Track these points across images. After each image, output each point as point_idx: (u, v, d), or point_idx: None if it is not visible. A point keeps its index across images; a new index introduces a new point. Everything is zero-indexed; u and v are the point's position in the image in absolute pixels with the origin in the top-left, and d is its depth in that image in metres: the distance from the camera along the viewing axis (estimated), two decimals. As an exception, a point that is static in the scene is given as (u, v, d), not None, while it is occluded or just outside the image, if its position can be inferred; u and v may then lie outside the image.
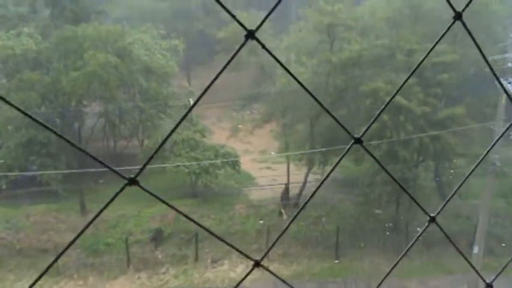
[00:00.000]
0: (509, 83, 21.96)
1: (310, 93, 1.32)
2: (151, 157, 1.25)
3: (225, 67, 1.17)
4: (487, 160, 20.60)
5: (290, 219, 1.45)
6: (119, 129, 34.59)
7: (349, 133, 1.35)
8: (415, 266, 24.80)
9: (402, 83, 1.52)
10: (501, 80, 21.04)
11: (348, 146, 1.38)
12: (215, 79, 1.17)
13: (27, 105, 27.02)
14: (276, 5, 1.17)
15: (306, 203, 1.51)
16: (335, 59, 26.04)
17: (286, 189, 29.33)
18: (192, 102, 31.11)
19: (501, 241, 26.83)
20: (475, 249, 22.42)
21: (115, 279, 24.78)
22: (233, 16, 1.14)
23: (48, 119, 28.80)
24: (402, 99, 23.32)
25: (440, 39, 1.37)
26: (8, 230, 26.46)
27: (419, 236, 1.65)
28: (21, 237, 26.21)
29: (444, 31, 1.35)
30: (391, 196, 27.83)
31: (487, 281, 1.70)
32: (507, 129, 1.68)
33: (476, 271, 1.78)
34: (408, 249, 1.66)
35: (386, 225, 28.02)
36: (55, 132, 1.17)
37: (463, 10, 1.33)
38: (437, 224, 1.57)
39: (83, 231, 1.17)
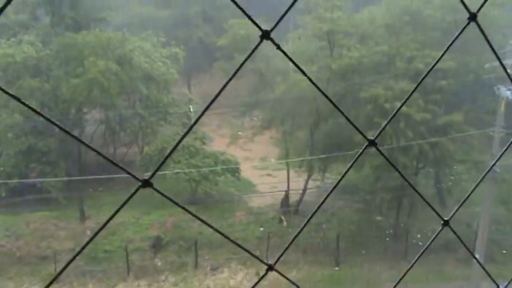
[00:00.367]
0: (508, 90, 21.98)
1: (325, 95, 1.32)
2: (164, 160, 1.24)
3: (240, 66, 1.17)
4: (487, 167, 20.57)
5: (303, 223, 1.44)
6: (118, 136, 34.64)
7: (363, 135, 1.34)
8: (416, 272, 24.71)
9: (416, 85, 1.51)
10: (501, 86, 21.10)
11: (362, 148, 1.37)
12: (230, 80, 1.17)
13: (28, 112, 27.03)
14: (292, 4, 1.17)
15: (319, 206, 1.50)
16: (335, 65, 26.11)
17: (286, 196, 29.29)
18: (192, 109, 31.21)
19: (502, 248, 26.77)
20: (476, 257, 22.35)
21: (114, 286, 24.69)
22: (249, 16, 1.14)
23: (48, 126, 28.80)
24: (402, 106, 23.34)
25: (454, 41, 1.36)
26: (8, 238, 26.40)
27: (433, 240, 1.64)
28: (21, 244, 26.14)
29: (458, 33, 1.34)
30: (391, 203, 27.82)
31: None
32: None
33: (488, 273, 1.77)
34: (421, 253, 1.65)
35: (387, 232, 27.96)
36: (73, 136, 1.16)
37: (478, 11, 1.32)
38: (450, 227, 1.56)
39: (96, 234, 1.17)
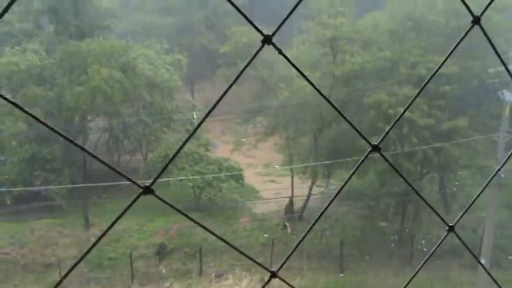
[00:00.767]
0: (512, 94, 21.92)
1: (327, 99, 1.32)
2: (165, 167, 1.24)
3: (242, 71, 1.17)
4: (492, 172, 20.51)
5: (307, 229, 1.43)
6: (122, 143, 34.69)
7: (366, 140, 1.33)
8: (420, 279, 24.56)
9: (419, 90, 1.51)
10: (505, 91, 21.05)
11: (366, 153, 1.36)
12: (231, 85, 1.17)
13: (31, 120, 27.07)
14: (292, 10, 1.17)
15: (323, 212, 1.49)
16: (338, 71, 26.12)
17: (291, 203, 29.23)
18: (195, 116, 31.25)
19: (508, 253, 26.60)
20: (482, 262, 22.22)
21: (119, 294, 24.67)
22: (250, 21, 1.14)
23: (52, 134, 28.85)
24: (406, 111, 23.30)
25: (458, 44, 1.36)
26: (13, 245, 26.42)
27: (438, 246, 1.63)
28: (25, 252, 26.16)
29: (462, 37, 1.33)
30: (396, 208, 27.71)
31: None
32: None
33: (494, 279, 1.76)
34: (426, 260, 1.64)
35: (392, 237, 27.85)
36: (74, 143, 1.16)
37: (482, 14, 1.32)
38: (455, 233, 1.55)
39: (97, 241, 1.17)
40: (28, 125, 27.05)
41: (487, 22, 25.69)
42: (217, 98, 1.18)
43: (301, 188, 29.00)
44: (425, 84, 1.47)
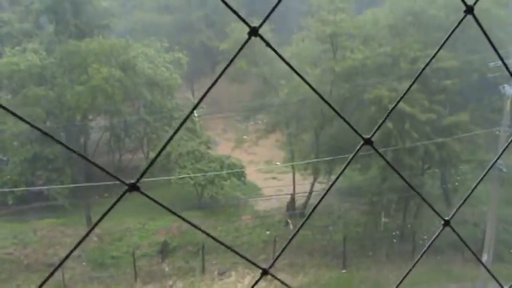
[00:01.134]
0: (513, 88, 21.89)
1: (322, 97, 1.30)
2: (153, 161, 1.23)
3: (228, 64, 1.16)
4: (493, 166, 20.50)
5: (297, 228, 1.43)
6: (124, 142, 34.72)
7: (358, 134, 1.32)
8: (422, 273, 24.60)
9: (413, 80, 1.49)
10: (505, 85, 21.01)
11: (358, 147, 1.35)
12: (219, 77, 1.16)
13: (32, 120, 27.09)
14: (278, 3, 1.16)
15: (317, 204, 1.48)
16: (338, 68, 26.09)
17: (292, 199, 29.26)
18: (196, 114, 31.25)
19: (510, 247, 26.60)
20: (484, 257, 22.23)
21: (122, 292, 24.72)
22: (237, 14, 1.12)
23: (54, 134, 28.77)
24: (406, 106, 23.29)
25: (451, 35, 1.34)
26: (15, 245, 26.47)
27: (434, 239, 1.63)
28: (28, 252, 26.21)
29: (455, 27, 1.32)
30: (398, 204, 27.72)
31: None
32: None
33: (492, 275, 1.76)
34: (423, 254, 1.64)
35: (394, 233, 27.86)
36: (67, 146, 1.16)
37: (475, 3, 1.31)
38: (451, 227, 1.55)
39: (83, 239, 1.16)
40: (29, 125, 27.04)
41: (486, 15, 25.67)
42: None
43: (303, 185, 29.02)
44: (419, 75, 1.46)
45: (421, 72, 1.45)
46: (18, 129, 26.93)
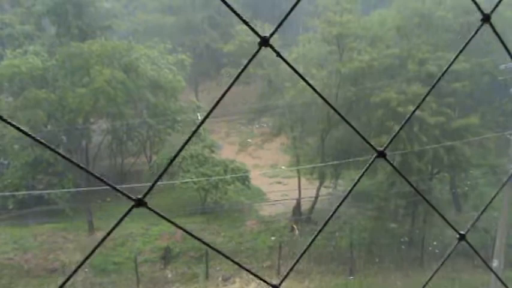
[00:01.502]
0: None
1: (329, 104, 1.30)
2: (160, 176, 1.22)
3: (240, 73, 1.15)
4: (504, 171, 20.42)
5: (315, 232, 1.42)
6: (126, 145, 34.79)
7: (372, 146, 1.32)
8: (432, 281, 24.43)
9: (429, 89, 1.50)
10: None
11: (371, 160, 1.35)
12: (230, 87, 1.16)
13: (34, 123, 27.25)
14: (291, 10, 1.16)
15: (331, 216, 1.48)
16: (345, 69, 26.08)
17: (298, 204, 29.20)
18: (200, 117, 31.31)
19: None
20: (495, 263, 22.11)
21: (124, 299, 24.72)
22: (246, 23, 1.12)
23: (55, 137, 29.01)
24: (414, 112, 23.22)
25: (468, 43, 1.35)
26: (16, 250, 26.53)
27: (449, 255, 1.61)
28: (29, 257, 26.27)
29: (472, 35, 1.33)
30: (406, 210, 27.62)
31: None
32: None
33: (503, 283, 1.75)
34: (438, 269, 1.62)
35: (402, 239, 27.76)
36: (58, 153, 1.16)
37: (491, 12, 1.31)
38: (467, 242, 1.53)
39: (90, 254, 1.16)
40: (30, 129, 27.17)
41: (498, 18, 25.59)
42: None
43: (309, 189, 28.97)
44: (435, 84, 1.47)
45: (437, 82, 1.46)
46: (19, 133, 26.91)
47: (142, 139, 33.60)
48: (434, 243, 26.81)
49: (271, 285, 1.29)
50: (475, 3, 1.31)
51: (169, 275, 25.94)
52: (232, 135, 38.52)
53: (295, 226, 28.44)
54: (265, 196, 32.11)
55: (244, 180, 29.16)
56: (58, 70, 29.38)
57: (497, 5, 1.34)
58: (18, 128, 1.04)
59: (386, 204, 26.79)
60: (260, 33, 1.06)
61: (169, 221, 1.18)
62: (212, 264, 25.81)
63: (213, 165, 28.90)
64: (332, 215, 1.43)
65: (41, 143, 1.06)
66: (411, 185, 1.52)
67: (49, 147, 1.09)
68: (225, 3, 1.11)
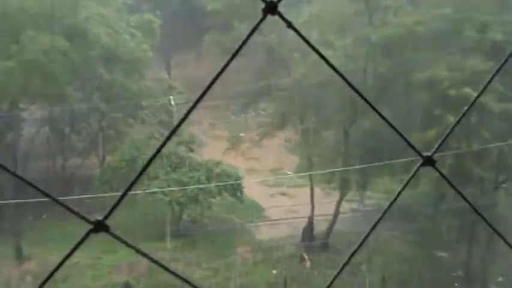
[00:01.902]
0: None
1: (353, 86, 1.31)
2: (129, 188, 1.22)
3: (241, 46, 1.16)
4: None
5: (337, 270, 1.42)
6: (69, 140, 34.68)
7: (417, 152, 1.32)
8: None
9: (498, 67, 1.50)
10: None
11: (416, 168, 1.35)
12: (227, 65, 1.16)
13: None
14: None
15: (365, 238, 1.47)
16: (375, 37, 26.07)
17: (310, 225, 29.24)
18: (173, 102, 31.30)
19: None
20: None
21: None
22: None
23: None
24: (473, 92, 23.27)
25: None
26: None
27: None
28: None
29: None
30: (460, 232, 27.67)
31: None
32: None
33: None
34: None
35: (454, 274, 27.85)
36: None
37: None
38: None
39: None
40: None
41: None
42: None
43: (325, 204, 28.99)
44: (507, 59, 1.46)
45: (510, 56, 1.45)
46: None
47: (92, 132, 33.54)
48: (499, 279, 26.90)
49: None
50: None
51: (130, 323, 25.97)
52: (219, 127, 38.51)
53: (305, 256, 28.49)
54: (264, 213, 32.13)
55: (235, 190, 29.16)
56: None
57: None
58: None
59: (432, 225, 26.84)
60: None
61: (138, 250, 1.18)
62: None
63: (192, 170, 28.87)
64: (364, 240, 1.42)
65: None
66: (464, 198, 1.53)
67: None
68: None
